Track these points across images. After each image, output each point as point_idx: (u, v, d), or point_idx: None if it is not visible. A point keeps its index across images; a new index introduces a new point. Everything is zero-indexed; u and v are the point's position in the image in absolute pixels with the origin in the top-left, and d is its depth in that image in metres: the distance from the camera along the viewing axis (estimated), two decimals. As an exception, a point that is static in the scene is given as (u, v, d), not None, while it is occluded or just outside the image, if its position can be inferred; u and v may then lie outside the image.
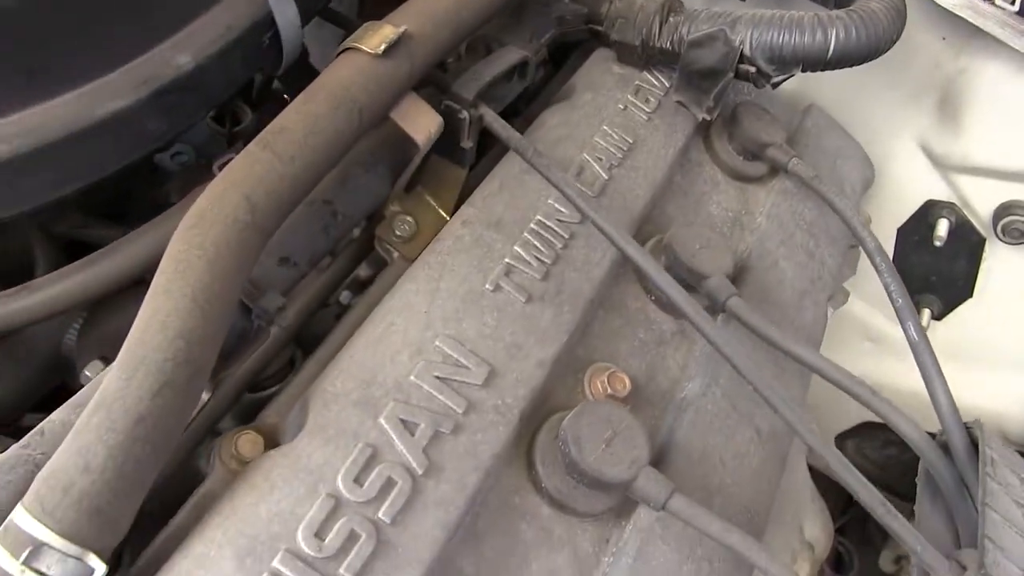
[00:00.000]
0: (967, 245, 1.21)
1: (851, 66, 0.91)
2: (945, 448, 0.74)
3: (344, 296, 0.89)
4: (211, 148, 0.99)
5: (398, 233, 0.83)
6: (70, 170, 0.67)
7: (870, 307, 1.34)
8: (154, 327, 0.57)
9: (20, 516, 0.53)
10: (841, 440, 1.57)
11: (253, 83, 1.04)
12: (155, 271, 0.62)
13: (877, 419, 1.43)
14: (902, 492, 1.63)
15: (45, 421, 0.61)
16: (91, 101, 0.68)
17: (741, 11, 0.93)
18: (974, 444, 0.73)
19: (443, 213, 0.87)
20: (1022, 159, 1.13)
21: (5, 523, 0.54)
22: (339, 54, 0.76)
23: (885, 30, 0.89)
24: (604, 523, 0.70)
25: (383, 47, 0.74)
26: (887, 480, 1.66)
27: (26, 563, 0.52)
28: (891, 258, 1.27)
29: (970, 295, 1.27)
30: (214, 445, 0.70)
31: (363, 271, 0.90)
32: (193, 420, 0.71)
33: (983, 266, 1.23)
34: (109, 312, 0.91)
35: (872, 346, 1.38)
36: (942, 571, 0.66)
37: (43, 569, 0.53)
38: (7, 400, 0.84)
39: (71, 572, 0.53)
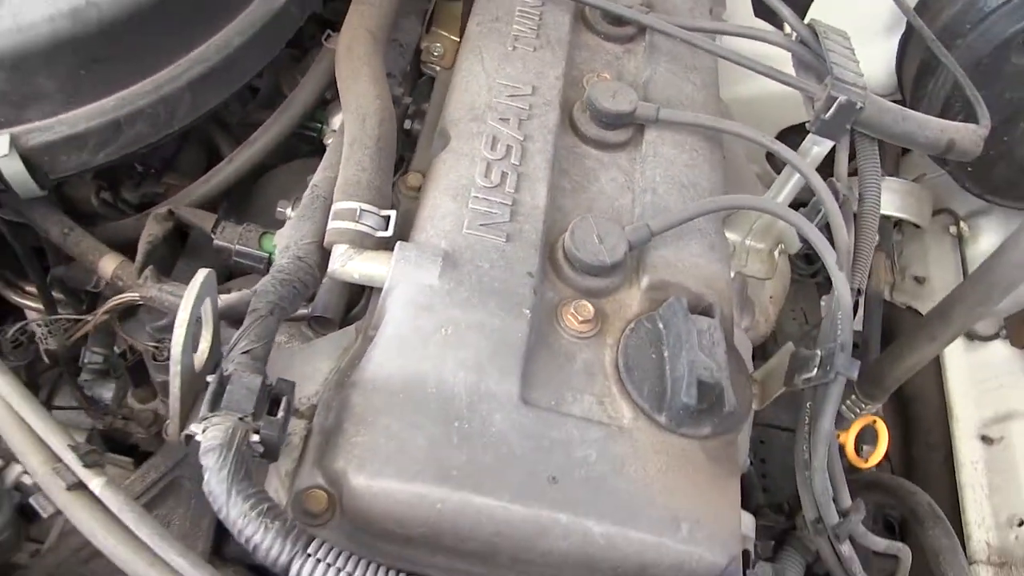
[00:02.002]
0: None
1: None
2: (802, 43, 1.23)
3: (406, 124, 1.34)
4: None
5: (435, 54, 1.29)
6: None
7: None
8: (361, 92, 1.03)
9: (339, 204, 0.97)
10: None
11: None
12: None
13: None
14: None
15: (311, 184, 1.05)
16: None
17: None
18: (815, 35, 1.22)
19: (455, 38, 1.33)
20: None
21: (332, 212, 0.98)
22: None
23: None
24: (629, 151, 1.17)
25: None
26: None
27: (357, 220, 0.97)
28: None
29: None
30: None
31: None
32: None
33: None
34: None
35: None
36: (816, 89, 1.14)
37: (363, 221, 0.97)
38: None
39: (377, 220, 0.98)
